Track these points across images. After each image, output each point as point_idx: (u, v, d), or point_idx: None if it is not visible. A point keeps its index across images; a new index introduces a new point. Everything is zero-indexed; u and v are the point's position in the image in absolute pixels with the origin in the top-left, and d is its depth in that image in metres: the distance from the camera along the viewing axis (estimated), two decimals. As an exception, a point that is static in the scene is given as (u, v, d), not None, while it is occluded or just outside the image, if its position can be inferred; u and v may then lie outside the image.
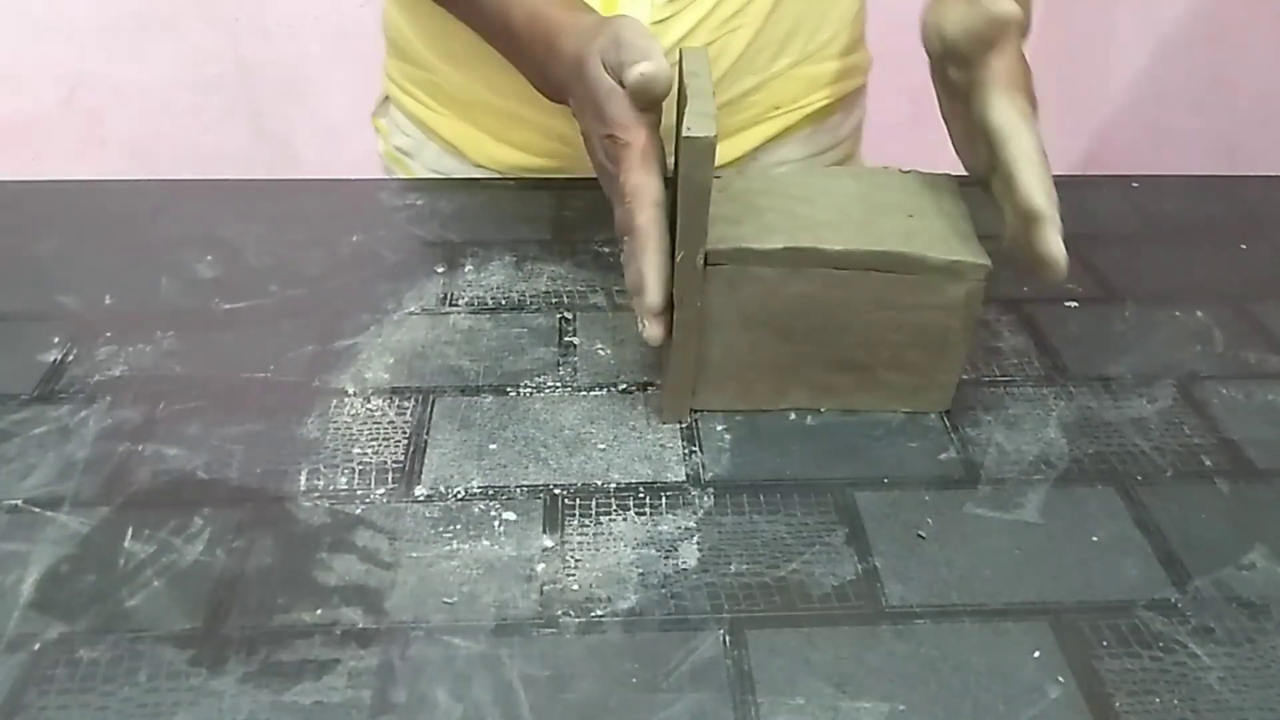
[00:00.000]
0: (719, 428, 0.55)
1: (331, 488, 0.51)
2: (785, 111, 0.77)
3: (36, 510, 0.49)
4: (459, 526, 0.49)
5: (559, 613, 0.45)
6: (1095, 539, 0.49)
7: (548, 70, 0.59)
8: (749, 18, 0.71)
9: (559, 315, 0.64)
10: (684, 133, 0.45)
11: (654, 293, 0.50)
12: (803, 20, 0.73)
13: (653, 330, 0.51)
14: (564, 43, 0.57)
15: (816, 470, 0.53)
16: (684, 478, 0.52)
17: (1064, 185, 0.80)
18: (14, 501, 0.50)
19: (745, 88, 0.74)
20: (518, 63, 0.64)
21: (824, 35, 0.75)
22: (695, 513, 0.50)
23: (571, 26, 0.57)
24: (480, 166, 0.79)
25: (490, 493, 0.51)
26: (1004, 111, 0.52)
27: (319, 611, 0.45)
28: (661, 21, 0.68)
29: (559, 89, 0.59)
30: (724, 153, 0.73)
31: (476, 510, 0.50)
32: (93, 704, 0.41)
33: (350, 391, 0.57)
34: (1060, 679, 0.43)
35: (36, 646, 0.43)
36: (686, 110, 0.47)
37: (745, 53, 0.72)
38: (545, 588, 0.46)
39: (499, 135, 0.77)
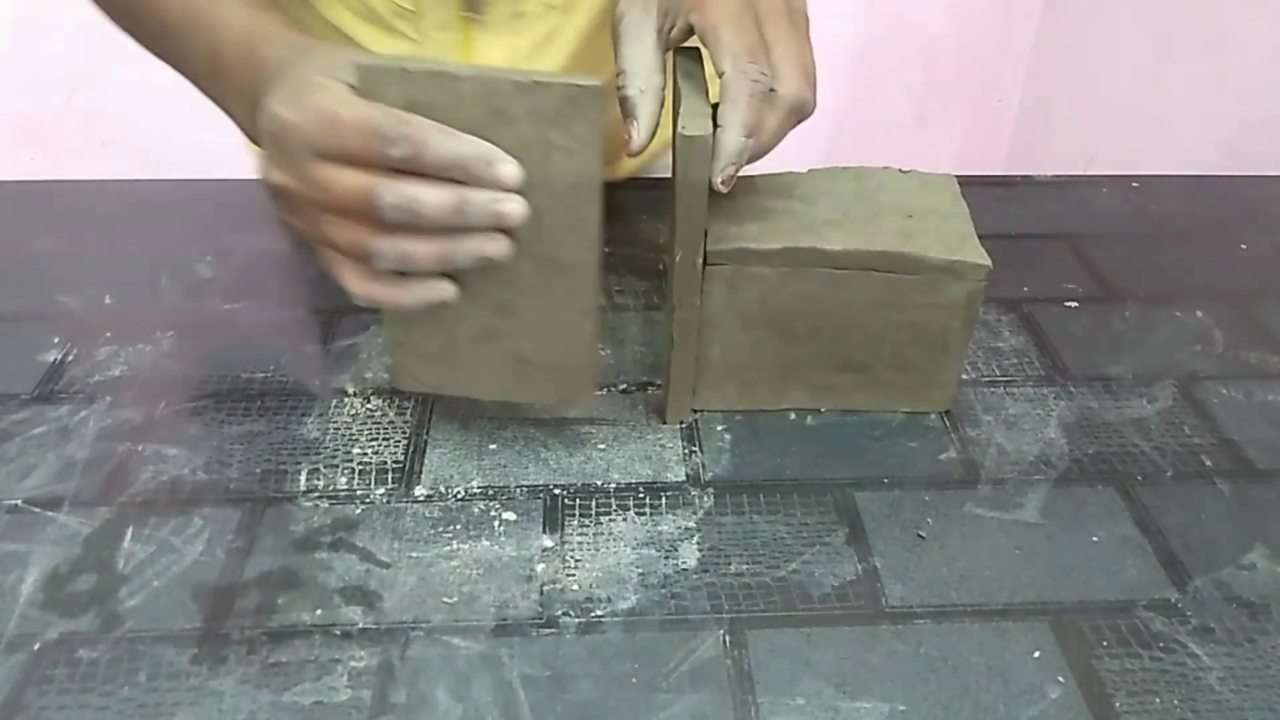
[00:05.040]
0: (719, 428, 0.55)
1: (331, 488, 0.51)
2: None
3: (36, 510, 0.49)
4: (459, 526, 0.49)
5: (559, 613, 0.45)
6: (1095, 539, 0.49)
7: (258, 92, 0.47)
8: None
9: (559, 315, 0.64)
10: (679, 131, 0.46)
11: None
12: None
13: None
14: (272, 52, 0.48)
15: (816, 470, 0.53)
16: (684, 478, 0.52)
17: (1064, 185, 0.81)
18: (14, 501, 0.50)
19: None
20: (233, 107, 0.52)
21: None
22: (695, 513, 0.50)
23: (285, 36, 0.49)
24: None
25: (490, 493, 0.51)
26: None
27: (319, 611, 0.45)
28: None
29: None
30: None
31: (476, 510, 0.50)
32: (92, 704, 0.41)
33: (350, 391, 0.57)
34: (1060, 679, 0.43)
35: (36, 646, 0.43)
36: (681, 109, 0.47)
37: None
38: (545, 588, 0.46)
39: None
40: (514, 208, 0.44)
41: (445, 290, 0.46)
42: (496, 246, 0.45)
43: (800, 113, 0.47)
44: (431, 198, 0.43)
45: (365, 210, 0.43)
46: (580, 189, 0.45)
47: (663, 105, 0.49)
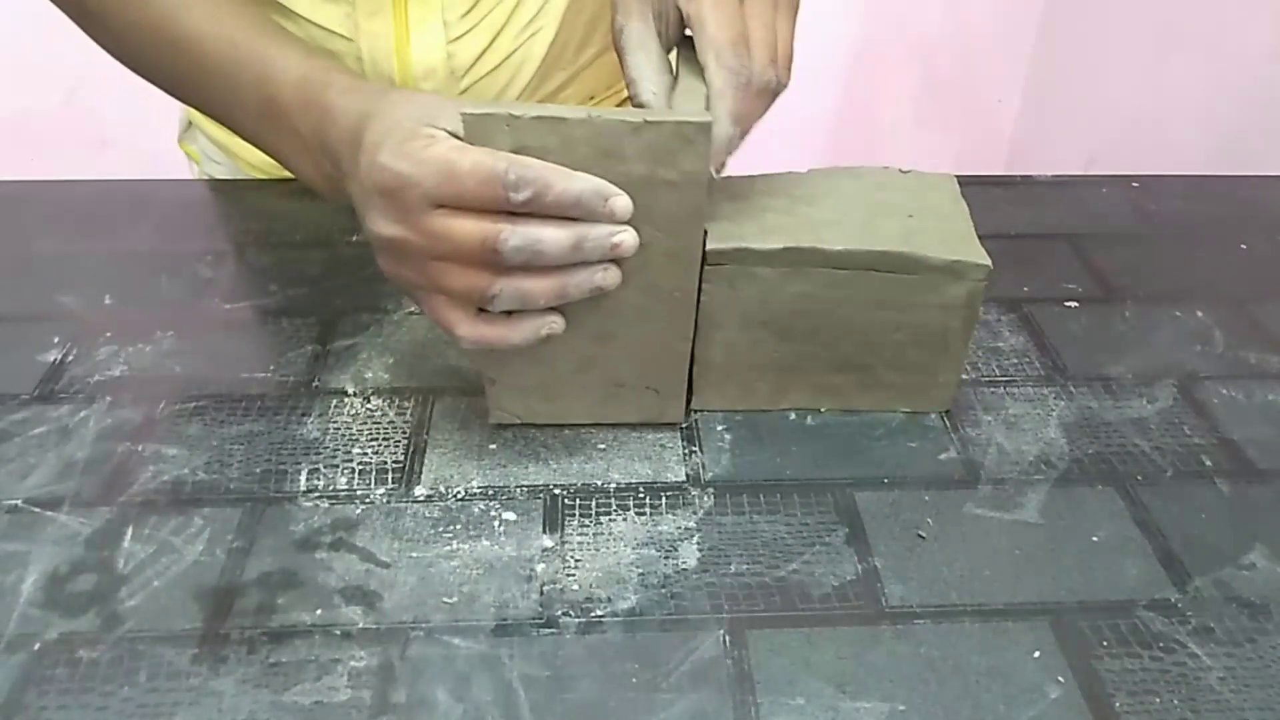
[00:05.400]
0: (719, 428, 0.55)
1: (331, 488, 0.51)
2: (601, 99, 0.77)
3: (36, 510, 0.49)
4: (459, 526, 0.49)
5: (559, 613, 0.45)
6: (1095, 539, 0.49)
7: (325, 136, 0.50)
8: (547, 19, 0.69)
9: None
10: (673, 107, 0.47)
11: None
12: (602, 9, 0.71)
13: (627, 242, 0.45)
14: (342, 101, 0.49)
15: (816, 470, 0.53)
16: (684, 478, 0.52)
17: (1064, 185, 0.81)
18: (14, 501, 0.50)
19: (556, 83, 0.73)
20: (285, 146, 0.54)
21: None
22: (695, 513, 0.50)
23: (352, 84, 0.50)
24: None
25: (490, 493, 0.51)
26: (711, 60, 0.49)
27: (319, 611, 0.45)
28: (458, 39, 0.67)
29: (336, 160, 0.49)
30: None
31: (476, 510, 0.50)
32: (92, 704, 0.41)
33: (350, 391, 0.57)
34: (1060, 679, 0.43)
35: (36, 647, 0.43)
36: (676, 89, 0.48)
37: (549, 53, 0.71)
38: (545, 588, 0.46)
39: None
40: (628, 238, 0.45)
41: (555, 323, 0.47)
42: (609, 276, 0.46)
43: (771, 93, 0.49)
44: (552, 236, 0.44)
45: (486, 255, 0.43)
46: (685, 219, 0.47)
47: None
